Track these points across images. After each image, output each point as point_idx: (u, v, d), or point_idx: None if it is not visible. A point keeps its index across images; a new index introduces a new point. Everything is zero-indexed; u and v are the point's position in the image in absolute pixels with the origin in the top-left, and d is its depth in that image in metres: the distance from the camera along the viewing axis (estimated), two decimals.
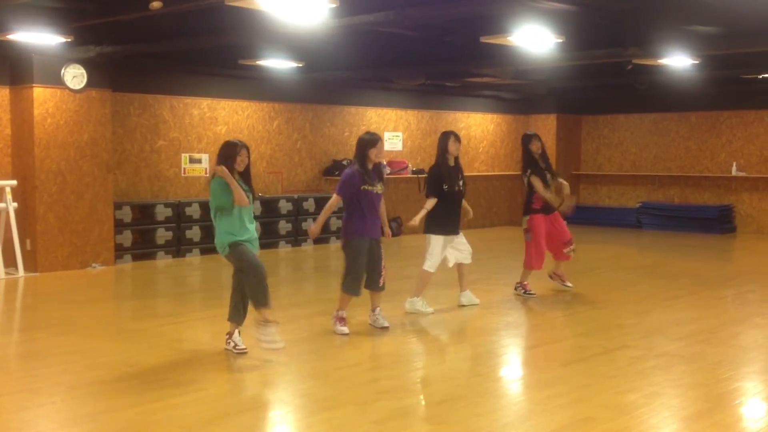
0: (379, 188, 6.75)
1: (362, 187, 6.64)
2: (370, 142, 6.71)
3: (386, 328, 6.81)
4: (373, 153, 6.68)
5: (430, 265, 7.52)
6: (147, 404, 4.94)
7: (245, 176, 6.02)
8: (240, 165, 5.92)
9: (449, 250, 7.64)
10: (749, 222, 15.14)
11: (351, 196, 6.67)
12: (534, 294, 8.44)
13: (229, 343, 6.03)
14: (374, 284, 6.79)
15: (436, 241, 7.51)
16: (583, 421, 4.65)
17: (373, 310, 6.90)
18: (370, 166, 6.72)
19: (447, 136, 7.63)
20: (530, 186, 8.29)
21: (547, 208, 8.33)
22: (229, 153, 5.93)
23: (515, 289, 8.55)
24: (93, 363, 5.90)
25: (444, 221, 7.50)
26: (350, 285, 6.69)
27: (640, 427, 4.61)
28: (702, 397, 5.15)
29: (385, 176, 7.02)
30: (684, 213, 15.42)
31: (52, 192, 10.03)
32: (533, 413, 4.87)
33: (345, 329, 6.73)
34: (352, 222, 6.69)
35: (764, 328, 7.31)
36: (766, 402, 5.22)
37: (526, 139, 8.38)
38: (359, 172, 6.65)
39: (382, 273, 6.79)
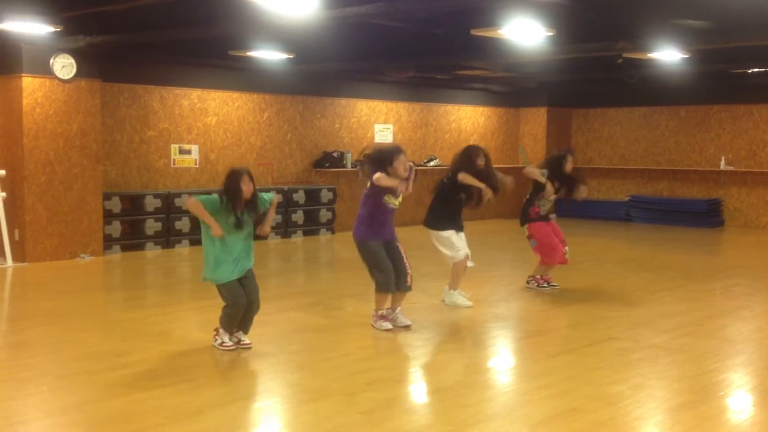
0: (396, 203, 6.57)
1: (385, 199, 6.47)
2: (391, 152, 6.45)
3: (408, 326, 6.67)
4: (401, 166, 6.39)
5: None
6: (134, 394, 4.95)
7: (251, 203, 5.85)
8: (246, 193, 5.77)
9: None
10: (737, 216, 15.23)
11: (376, 198, 6.47)
12: (556, 286, 8.47)
13: (216, 339, 6.02)
14: (402, 284, 6.62)
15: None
16: (569, 412, 4.69)
17: (393, 310, 6.74)
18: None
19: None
20: (533, 194, 8.30)
21: (544, 217, 8.35)
22: (231, 184, 5.75)
23: (527, 282, 8.58)
24: (81, 353, 5.90)
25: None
26: (383, 284, 6.55)
27: (625, 418, 4.65)
28: (687, 389, 5.19)
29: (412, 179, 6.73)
30: (673, 207, 15.50)
31: (41, 182, 10.00)
32: (519, 404, 4.90)
33: (388, 324, 6.64)
34: (369, 226, 6.53)
35: (750, 321, 7.37)
36: (751, 394, 5.26)
37: (559, 160, 8.33)
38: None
39: (408, 272, 6.63)
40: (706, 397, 5.06)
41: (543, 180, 8.20)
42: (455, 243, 7.51)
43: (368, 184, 6.53)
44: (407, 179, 6.41)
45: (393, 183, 6.34)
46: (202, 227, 5.91)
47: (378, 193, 6.45)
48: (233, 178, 5.78)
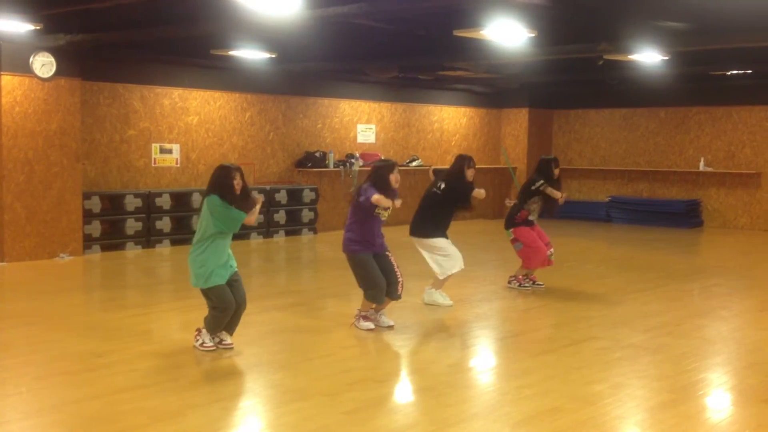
0: (387, 215, 6.64)
1: (376, 211, 6.52)
2: (387, 167, 6.61)
3: (391, 327, 6.72)
4: (393, 178, 6.56)
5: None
6: (114, 395, 4.92)
7: (244, 197, 5.89)
8: (237, 188, 5.79)
9: None
10: (716, 216, 15.38)
11: (367, 211, 6.51)
12: (542, 284, 8.57)
13: (197, 339, 5.99)
14: (393, 294, 6.67)
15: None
16: (549, 411, 4.71)
17: (376, 311, 6.77)
18: (388, 193, 6.55)
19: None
20: (522, 198, 8.37)
21: (529, 222, 8.44)
22: (222, 178, 5.77)
23: (508, 282, 8.63)
24: (60, 353, 5.86)
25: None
26: (375, 296, 6.58)
27: (605, 417, 4.68)
28: (666, 388, 5.23)
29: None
30: (652, 207, 15.63)
31: (20, 181, 9.91)
32: (501, 404, 4.93)
33: (370, 324, 6.66)
34: (358, 241, 6.55)
35: (728, 320, 7.44)
36: (729, 393, 5.31)
37: (549, 164, 8.46)
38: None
39: (399, 281, 6.67)
40: (685, 397, 5.10)
41: (558, 195, 8.35)
42: (450, 253, 7.50)
43: (358, 198, 6.53)
44: (395, 192, 6.62)
45: (389, 203, 6.47)
46: (205, 232, 5.81)
47: (372, 207, 6.49)
48: (222, 174, 5.79)
